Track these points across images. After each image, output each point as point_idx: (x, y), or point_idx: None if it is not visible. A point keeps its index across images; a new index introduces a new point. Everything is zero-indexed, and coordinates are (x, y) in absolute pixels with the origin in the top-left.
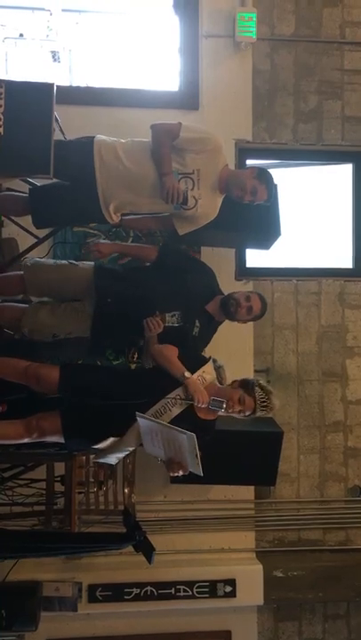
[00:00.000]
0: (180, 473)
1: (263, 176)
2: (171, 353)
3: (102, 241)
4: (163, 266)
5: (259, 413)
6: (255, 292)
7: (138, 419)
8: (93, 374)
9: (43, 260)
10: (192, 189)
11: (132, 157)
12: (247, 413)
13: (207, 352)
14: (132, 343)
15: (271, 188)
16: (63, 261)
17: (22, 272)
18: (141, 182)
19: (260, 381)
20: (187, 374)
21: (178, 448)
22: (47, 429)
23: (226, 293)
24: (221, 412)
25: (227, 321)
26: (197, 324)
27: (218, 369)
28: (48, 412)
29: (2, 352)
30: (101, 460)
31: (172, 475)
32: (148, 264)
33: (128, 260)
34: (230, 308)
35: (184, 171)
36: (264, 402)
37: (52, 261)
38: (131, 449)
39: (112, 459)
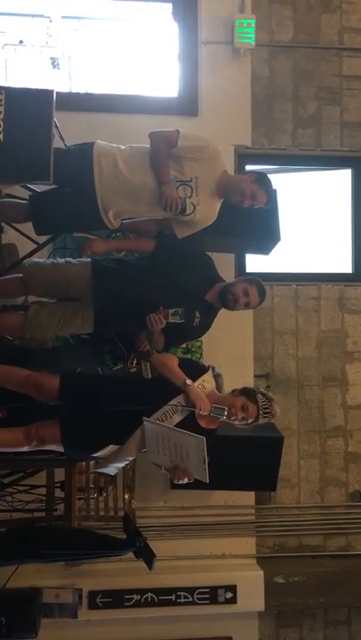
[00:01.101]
0: (185, 480)
1: (262, 180)
2: (172, 362)
3: (95, 237)
4: (161, 256)
5: (261, 421)
6: (254, 281)
7: (145, 423)
8: (94, 382)
9: (41, 260)
10: (190, 196)
11: (130, 166)
12: (250, 421)
13: (207, 359)
14: (131, 347)
15: (270, 192)
16: (61, 260)
17: (21, 274)
18: (140, 191)
19: (261, 389)
20: (188, 382)
21: (185, 454)
22: (47, 438)
23: (224, 280)
24: (223, 419)
25: (227, 326)
26: (197, 314)
27: (216, 377)
28: (48, 420)
29: (1, 359)
30: (100, 470)
31: (176, 482)
32: (145, 256)
33: (125, 253)
34: (228, 303)
35: (182, 178)
36: (267, 409)
37: (49, 261)
38: (131, 458)
39: (111, 468)
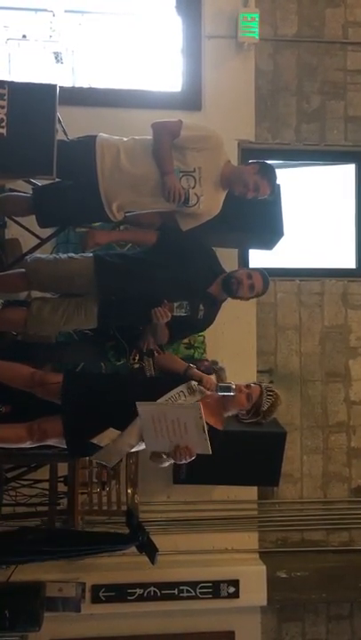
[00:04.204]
0: (188, 459)
1: (265, 170)
2: (174, 356)
3: (97, 228)
4: (164, 249)
5: (265, 405)
6: (257, 269)
7: (138, 408)
8: (96, 381)
9: (43, 256)
10: (194, 187)
11: (133, 157)
12: (254, 399)
13: (210, 354)
14: (133, 344)
15: (274, 183)
16: (63, 255)
17: (24, 269)
18: (143, 182)
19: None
20: (191, 365)
21: (184, 429)
22: (49, 432)
23: (227, 271)
24: (231, 406)
25: (230, 321)
26: (201, 307)
27: (219, 370)
28: (50, 416)
29: (4, 355)
30: (99, 460)
31: (179, 462)
32: (148, 249)
33: (129, 247)
34: (232, 287)
35: (185, 169)
36: (270, 389)
37: (52, 257)
38: (130, 446)
39: (110, 458)
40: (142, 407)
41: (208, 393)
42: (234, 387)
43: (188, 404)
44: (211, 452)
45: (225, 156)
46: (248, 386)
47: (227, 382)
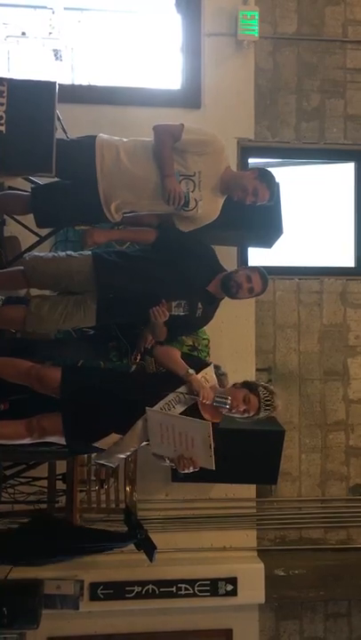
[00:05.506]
0: (191, 469)
1: (265, 177)
2: (175, 353)
3: (96, 228)
4: (162, 247)
5: (262, 414)
6: (256, 268)
7: (148, 413)
8: (95, 376)
9: (42, 254)
10: (193, 191)
11: (133, 158)
12: (251, 413)
13: (210, 351)
14: (135, 345)
15: (273, 189)
16: (62, 253)
17: (22, 267)
18: (143, 183)
19: (263, 382)
20: (190, 371)
21: (190, 441)
22: (48, 429)
23: (226, 269)
24: (225, 411)
25: (229, 320)
26: (200, 305)
27: (220, 376)
28: (49, 412)
29: (3, 352)
30: (102, 462)
31: (181, 471)
32: (147, 247)
33: (128, 245)
34: (231, 290)
35: (185, 172)
36: (268, 401)
37: (50, 254)
38: (132, 449)
39: (113, 460)
40: (152, 413)
41: (202, 400)
42: (229, 401)
43: (198, 420)
44: (215, 469)
45: (225, 162)
46: (246, 399)
47: (223, 396)
